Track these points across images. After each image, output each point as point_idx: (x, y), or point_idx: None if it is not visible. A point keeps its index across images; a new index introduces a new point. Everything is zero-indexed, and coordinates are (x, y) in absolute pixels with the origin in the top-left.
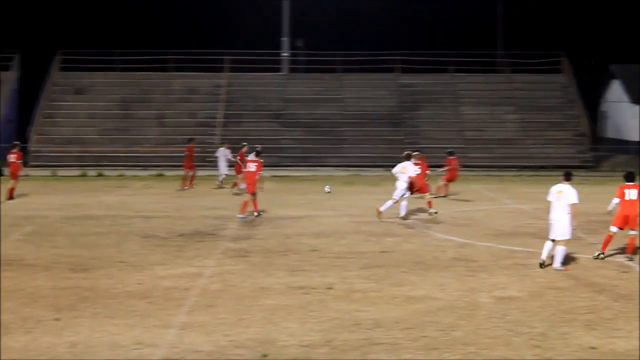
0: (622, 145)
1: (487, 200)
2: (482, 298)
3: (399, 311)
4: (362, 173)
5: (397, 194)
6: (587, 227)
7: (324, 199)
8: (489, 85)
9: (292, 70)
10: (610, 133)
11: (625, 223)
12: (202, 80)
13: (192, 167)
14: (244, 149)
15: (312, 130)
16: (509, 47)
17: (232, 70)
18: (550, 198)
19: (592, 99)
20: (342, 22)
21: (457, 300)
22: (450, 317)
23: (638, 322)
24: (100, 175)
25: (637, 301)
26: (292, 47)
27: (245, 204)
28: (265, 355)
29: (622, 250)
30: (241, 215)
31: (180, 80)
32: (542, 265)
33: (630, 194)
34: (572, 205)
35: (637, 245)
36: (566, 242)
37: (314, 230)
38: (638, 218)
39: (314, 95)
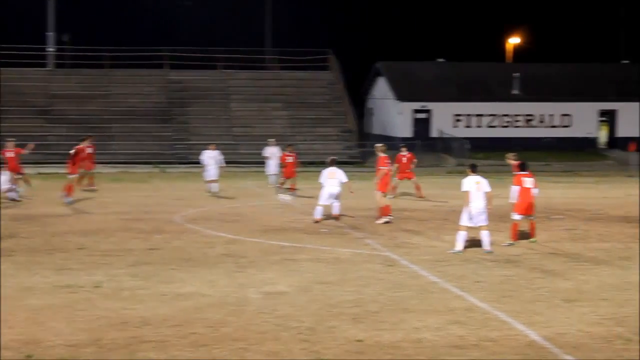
0: (388, 142)
1: (256, 196)
2: (251, 294)
3: (167, 308)
4: (130, 170)
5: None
6: (354, 222)
7: (92, 195)
8: (258, 82)
9: (58, 66)
10: (376, 129)
11: (527, 210)
12: None
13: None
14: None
15: (79, 127)
16: (277, 45)
17: None
18: (468, 189)
19: (358, 96)
20: (110, 17)
21: (227, 296)
22: (219, 314)
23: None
24: None
25: (403, 294)
26: (58, 41)
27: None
28: (30, 356)
29: (384, 246)
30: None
31: None
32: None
33: (527, 182)
34: (488, 193)
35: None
36: (487, 227)
37: (81, 228)
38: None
39: (81, 91)
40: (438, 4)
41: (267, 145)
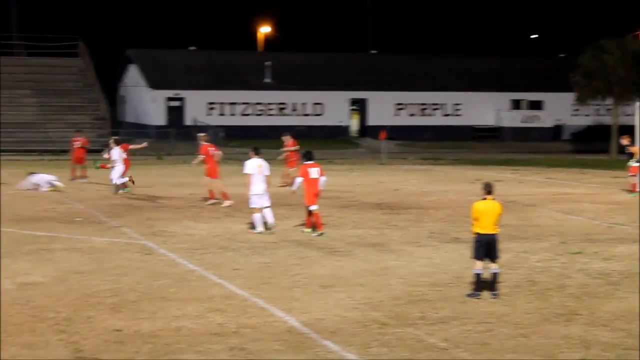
0: (142, 130)
1: (7, 185)
2: (5, 285)
3: None
4: None
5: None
6: (110, 210)
7: None
8: (6, 68)
9: None
10: (130, 117)
11: (315, 200)
12: None
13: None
14: None
15: None
16: (24, 30)
17: None
18: (250, 171)
19: (110, 83)
20: None
21: None
22: None
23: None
24: None
25: (161, 283)
26: None
27: None
28: None
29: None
30: None
31: None
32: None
33: (313, 172)
34: (268, 176)
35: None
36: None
37: None
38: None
39: None
40: None
41: None
